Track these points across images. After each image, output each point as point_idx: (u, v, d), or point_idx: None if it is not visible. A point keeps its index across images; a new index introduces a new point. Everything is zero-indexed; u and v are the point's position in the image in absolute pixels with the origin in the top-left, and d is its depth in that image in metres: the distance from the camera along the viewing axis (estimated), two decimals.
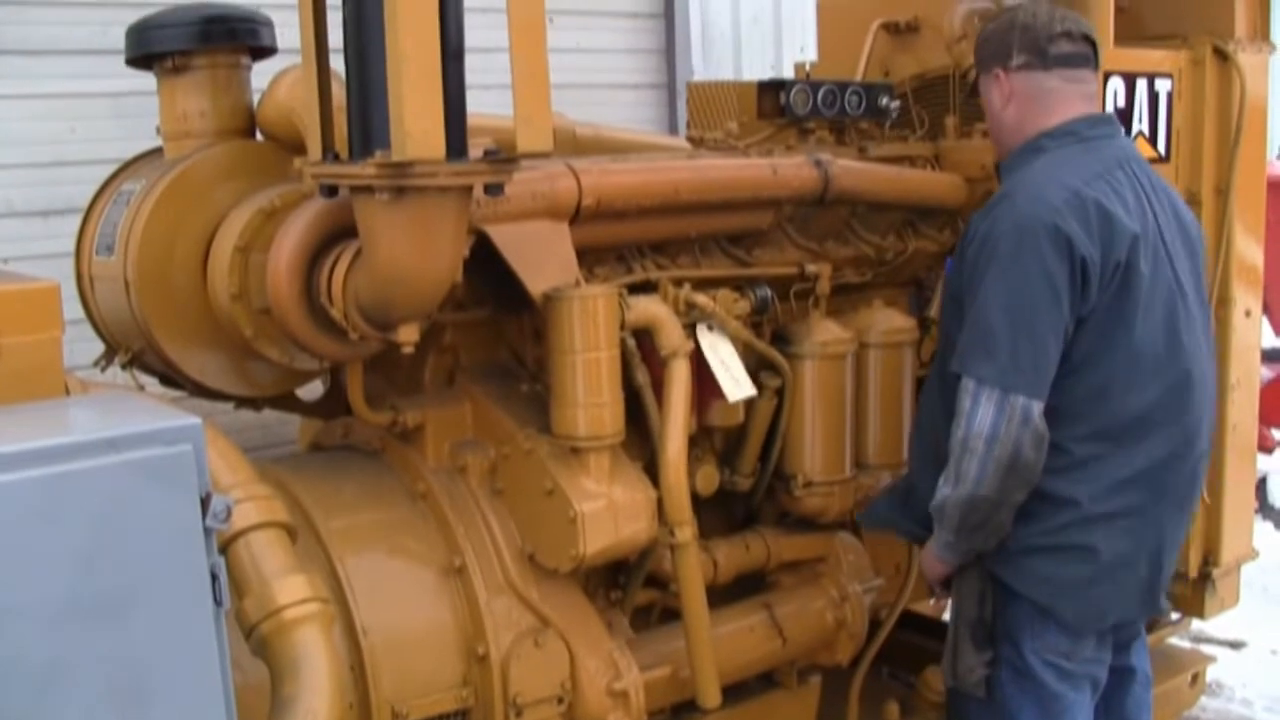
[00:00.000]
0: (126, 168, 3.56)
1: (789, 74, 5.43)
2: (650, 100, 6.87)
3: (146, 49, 3.41)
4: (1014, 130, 3.46)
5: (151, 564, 2.03)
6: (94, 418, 2.25)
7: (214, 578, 2.11)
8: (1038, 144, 3.38)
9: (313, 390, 3.76)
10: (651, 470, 3.32)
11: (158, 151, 3.52)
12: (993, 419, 3.14)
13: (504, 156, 2.80)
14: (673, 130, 6.65)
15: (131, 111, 4.31)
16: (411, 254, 2.81)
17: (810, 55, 5.42)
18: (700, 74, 6.82)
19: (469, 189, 2.83)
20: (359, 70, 2.76)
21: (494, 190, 2.86)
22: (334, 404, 3.69)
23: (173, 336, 3.26)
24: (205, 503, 2.09)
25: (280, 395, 3.60)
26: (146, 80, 3.51)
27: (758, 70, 7.14)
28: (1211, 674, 5.19)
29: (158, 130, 3.49)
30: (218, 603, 2.12)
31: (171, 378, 3.44)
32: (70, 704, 1.97)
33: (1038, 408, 3.14)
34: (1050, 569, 3.30)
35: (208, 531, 2.10)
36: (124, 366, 3.46)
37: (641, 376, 3.34)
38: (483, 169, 2.77)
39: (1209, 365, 3.43)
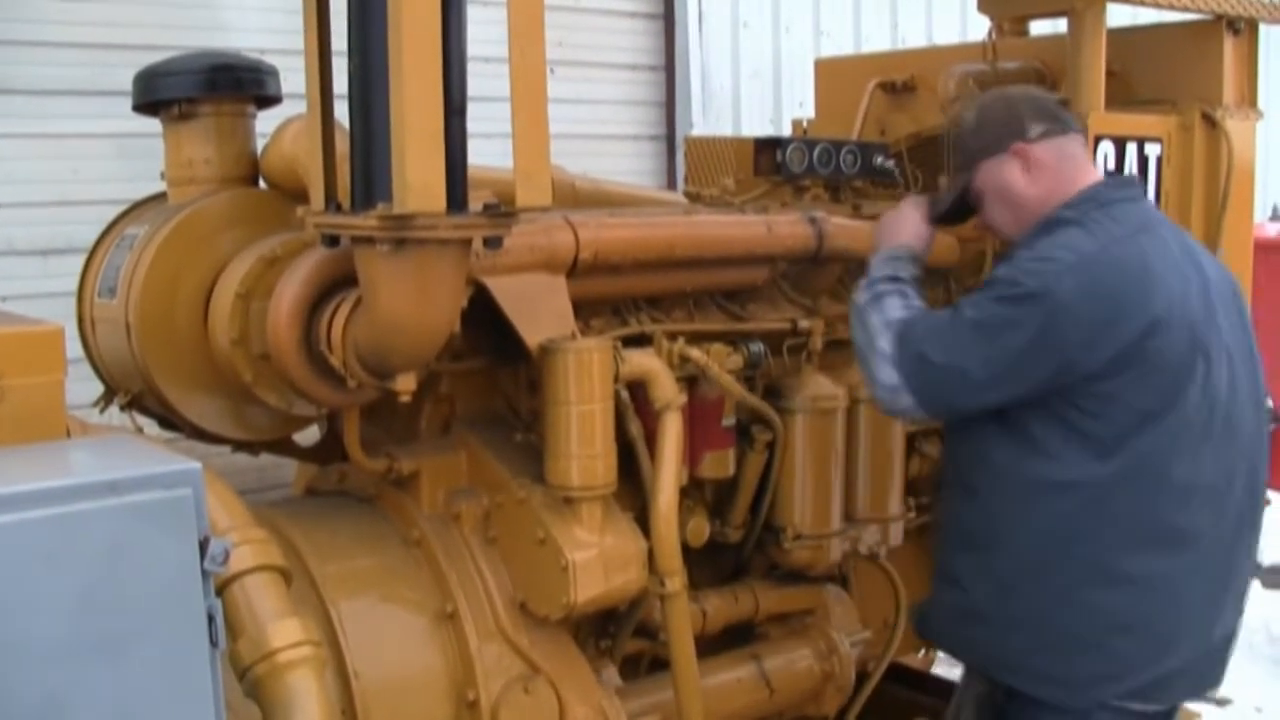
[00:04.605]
0: (130, 211, 3.59)
1: (788, 128, 5.48)
2: (650, 152, 6.92)
3: (153, 96, 3.46)
4: (1042, 202, 3.24)
5: (150, 605, 2.05)
6: (95, 460, 2.27)
7: (210, 620, 2.13)
8: (1058, 217, 3.19)
9: (309, 435, 3.78)
10: (643, 521, 3.34)
11: (162, 196, 3.56)
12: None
13: (503, 210, 2.82)
14: (672, 182, 6.70)
15: (134, 153, 4.33)
16: (410, 304, 2.83)
17: (809, 111, 5.47)
18: (700, 127, 6.87)
19: (468, 242, 2.85)
20: (363, 122, 2.79)
21: (493, 243, 2.89)
22: (330, 450, 3.71)
23: (172, 380, 3.28)
24: (203, 546, 2.11)
25: (277, 440, 3.63)
26: (150, 122, 3.54)
27: (757, 124, 7.18)
28: None
29: (162, 175, 3.53)
30: (213, 644, 2.13)
31: (170, 420, 3.46)
32: None
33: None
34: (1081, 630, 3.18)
35: (205, 574, 2.12)
36: (123, 408, 3.48)
37: (634, 428, 3.36)
38: (482, 223, 2.80)
39: (1256, 418, 3.27)
